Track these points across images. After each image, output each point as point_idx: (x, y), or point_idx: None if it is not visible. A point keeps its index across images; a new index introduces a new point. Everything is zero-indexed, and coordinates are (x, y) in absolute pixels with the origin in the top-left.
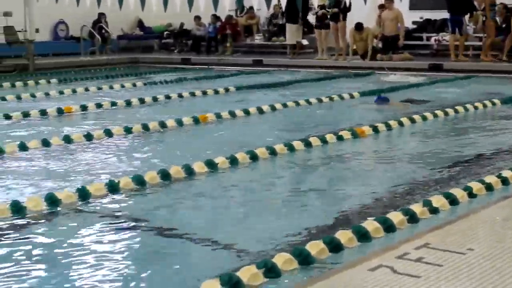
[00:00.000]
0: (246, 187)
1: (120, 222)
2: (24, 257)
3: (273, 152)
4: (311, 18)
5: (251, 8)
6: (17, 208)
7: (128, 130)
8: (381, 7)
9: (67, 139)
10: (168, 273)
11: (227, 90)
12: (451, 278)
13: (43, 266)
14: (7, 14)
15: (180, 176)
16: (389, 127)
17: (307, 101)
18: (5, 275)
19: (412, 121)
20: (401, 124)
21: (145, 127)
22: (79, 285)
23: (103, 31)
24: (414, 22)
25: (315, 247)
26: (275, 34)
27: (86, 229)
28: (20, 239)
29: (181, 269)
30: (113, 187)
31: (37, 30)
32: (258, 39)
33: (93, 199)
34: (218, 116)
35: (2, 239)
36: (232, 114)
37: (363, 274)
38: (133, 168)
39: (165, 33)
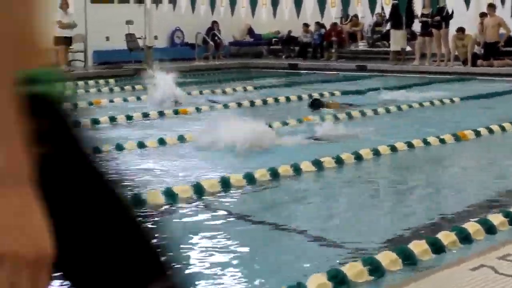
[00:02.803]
0: (351, 186)
1: (232, 217)
2: None
3: (376, 153)
4: (414, 25)
5: (356, 16)
6: (138, 201)
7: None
8: (483, 15)
9: (181, 139)
10: (276, 267)
11: (332, 94)
12: None
13: None
14: (129, 22)
15: (288, 174)
16: (491, 132)
17: (409, 106)
18: None
19: None
20: (503, 129)
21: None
22: (187, 275)
23: (216, 38)
24: None
25: (418, 247)
26: (379, 40)
27: (200, 223)
28: None
29: (289, 263)
30: (225, 183)
31: (155, 37)
32: (362, 45)
33: (207, 195)
34: (322, 119)
35: None
36: (336, 117)
37: (465, 273)
38: (245, 166)
39: (274, 39)
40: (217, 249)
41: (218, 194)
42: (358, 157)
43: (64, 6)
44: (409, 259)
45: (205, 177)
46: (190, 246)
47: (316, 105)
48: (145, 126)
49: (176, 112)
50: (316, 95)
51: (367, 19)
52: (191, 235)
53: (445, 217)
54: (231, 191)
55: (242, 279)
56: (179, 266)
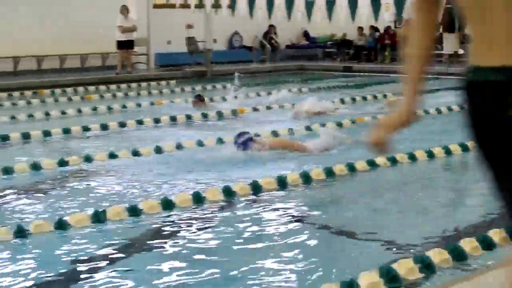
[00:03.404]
0: (403, 185)
1: (288, 215)
2: (206, 242)
3: (430, 155)
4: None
5: (409, 19)
6: (198, 198)
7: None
8: None
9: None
10: (329, 264)
11: (384, 96)
12: None
13: (218, 252)
14: (189, 26)
15: (344, 173)
16: None
17: (461, 107)
18: (192, 260)
19: None
20: None
21: (308, 128)
22: (249, 269)
23: (273, 41)
24: None
25: (469, 245)
26: None
27: (258, 220)
28: (201, 227)
29: (342, 260)
30: (282, 182)
31: (214, 41)
32: None
33: (264, 192)
34: (374, 117)
35: (185, 227)
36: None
37: None
38: (300, 164)
39: (329, 43)
40: (268, 246)
41: (275, 193)
42: (412, 158)
43: (125, 11)
44: (459, 256)
45: (263, 175)
46: (249, 241)
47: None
48: (206, 126)
49: (234, 113)
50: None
51: None
52: (249, 232)
53: (496, 216)
54: (287, 190)
55: (297, 275)
56: None
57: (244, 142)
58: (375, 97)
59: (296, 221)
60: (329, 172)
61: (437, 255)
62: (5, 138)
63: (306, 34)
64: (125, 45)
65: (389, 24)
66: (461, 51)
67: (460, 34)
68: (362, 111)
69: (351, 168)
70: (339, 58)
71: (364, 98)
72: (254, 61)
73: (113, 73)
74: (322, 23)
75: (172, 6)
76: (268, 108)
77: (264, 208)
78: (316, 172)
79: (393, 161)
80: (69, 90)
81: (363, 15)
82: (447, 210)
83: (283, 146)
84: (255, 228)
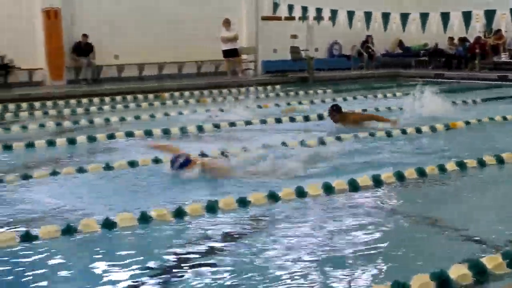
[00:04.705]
0: (493, 184)
1: (383, 211)
2: (297, 235)
3: None
4: None
5: (499, 30)
6: (274, 197)
7: (388, 134)
8: None
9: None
10: (420, 256)
11: (474, 102)
12: None
13: (318, 243)
14: (294, 36)
15: (434, 173)
16: None
17: None
18: (270, 253)
19: None
20: None
21: (404, 131)
22: (339, 259)
23: (370, 50)
24: None
25: None
26: None
27: (351, 216)
28: (302, 220)
29: (432, 253)
30: (377, 181)
31: (316, 49)
32: (504, 57)
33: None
34: (467, 122)
35: (260, 224)
36: (479, 121)
37: None
38: (395, 164)
39: (422, 51)
40: (363, 241)
41: (371, 190)
42: (500, 160)
43: (226, 24)
44: None
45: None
46: (348, 234)
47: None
48: (308, 126)
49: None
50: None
51: (510, 33)
52: (347, 225)
53: None
54: (383, 187)
55: (389, 265)
56: None
57: (181, 165)
58: (464, 102)
59: (390, 216)
60: (421, 172)
61: None
62: (130, 134)
63: (400, 44)
64: (230, 54)
65: (479, 35)
66: None
67: None
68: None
69: (441, 168)
70: (431, 66)
71: (454, 104)
72: (352, 68)
73: (224, 78)
74: (415, 33)
75: (278, 18)
76: (364, 110)
77: (364, 203)
78: (410, 172)
79: (481, 162)
80: (186, 93)
81: (455, 26)
82: None
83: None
84: (354, 221)
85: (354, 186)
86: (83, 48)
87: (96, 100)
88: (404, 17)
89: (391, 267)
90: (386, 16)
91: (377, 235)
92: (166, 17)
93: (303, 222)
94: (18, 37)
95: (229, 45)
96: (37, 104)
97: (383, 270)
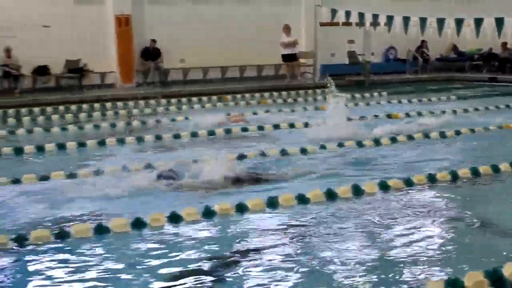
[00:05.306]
0: None
1: (434, 209)
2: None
3: None
4: None
5: None
6: (331, 195)
7: (442, 134)
8: None
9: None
10: (473, 255)
11: None
12: None
13: (364, 239)
14: (351, 41)
15: (489, 173)
16: None
17: None
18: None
19: None
20: None
21: (457, 132)
22: (393, 257)
23: (425, 54)
24: None
25: None
26: None
27: (397, 217)
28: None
29: (485, 252)
30: (432, 179)
31: (372, 54)
32: None
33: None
34: None
35: (295, 221)
36: None
37: None
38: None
39: (476, 56)
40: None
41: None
42: None
43: (286, 30)
44: None
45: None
46: (402, 232)
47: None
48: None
49: (389, 116)
50: None
51: None
52: (401, 223)
53: None
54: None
55: (442, 263)
56: None
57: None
58: (507, 106)
59: (442, 216)
60: (475, 172)
61: None
62: (195, 134)
63: (454, 48)
64: (289, 58)
65: None
66: None
67: None
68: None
69: (495, 169)
70: (485, 69)
71: (508, 106)
72: (407, 72)
73: (284, 81)
74: (470, 38)
75: (336, 24)
76: (420, 114)
77: (418, 201)
78: (463, 171)
79: None
80: (247, 95)
81: (509, 31)
82: None
83: None
84: (410, 218)
85: (409, 183)
86: (152, 53)
87: (163, 101)
88: (459, 22)
89: (444, 265)
90: (441, 22)
91: (430, 233)
92: (228, 24)
93: (359, 220)
94: (92, 43)
95: (288, 50)
96: (108, 104)
97: (436, 267)
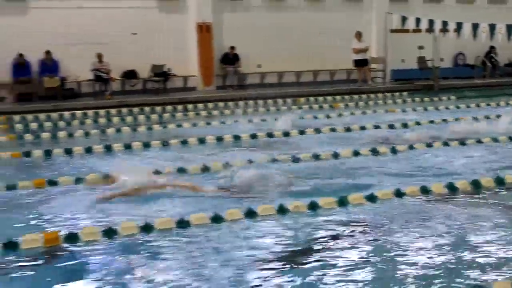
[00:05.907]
0: None
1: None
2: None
3: None
4: None
5: None
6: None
7: (494, 139)
8: None
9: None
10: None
11: None
12: None
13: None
14: (420, 47)
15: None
16: None
17: None
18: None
19: None
20: None
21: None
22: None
23: (493, 60)
24: None
25: None
26: None
27: (475, 217)
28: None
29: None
30: (500, 181)
31: (441, 59)
32: None
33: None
34: None
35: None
36: None
37: None
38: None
39: None
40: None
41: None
42: None
43: (358, 36)
44: None
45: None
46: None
47: None
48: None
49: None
50: None
51: None
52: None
53: None
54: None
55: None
56: None
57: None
58: None
59: (487, 220)
60: (499, 181)
61: None
62: (271, 135)
63: None
64: (360, 64)
65: None
66: None
67: None
68: None
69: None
70: None
71: None
72: (476, 77)
73: (356, 85)
74: None
75: (406, 31)
76: (488, 118)
77: (463, 208)
78: (486, 180)
79: None
80: (321, 99)
81: None
82: None
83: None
84: (469, 223)
85: (476, 186)
86: (231, 58)
87: (240, 103)
88: None
89: (470, 273)
90: (510, 28)
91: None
92: (303, 30)
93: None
94: (175, 49)
95: (360, 55)
96: (190, 106)
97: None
